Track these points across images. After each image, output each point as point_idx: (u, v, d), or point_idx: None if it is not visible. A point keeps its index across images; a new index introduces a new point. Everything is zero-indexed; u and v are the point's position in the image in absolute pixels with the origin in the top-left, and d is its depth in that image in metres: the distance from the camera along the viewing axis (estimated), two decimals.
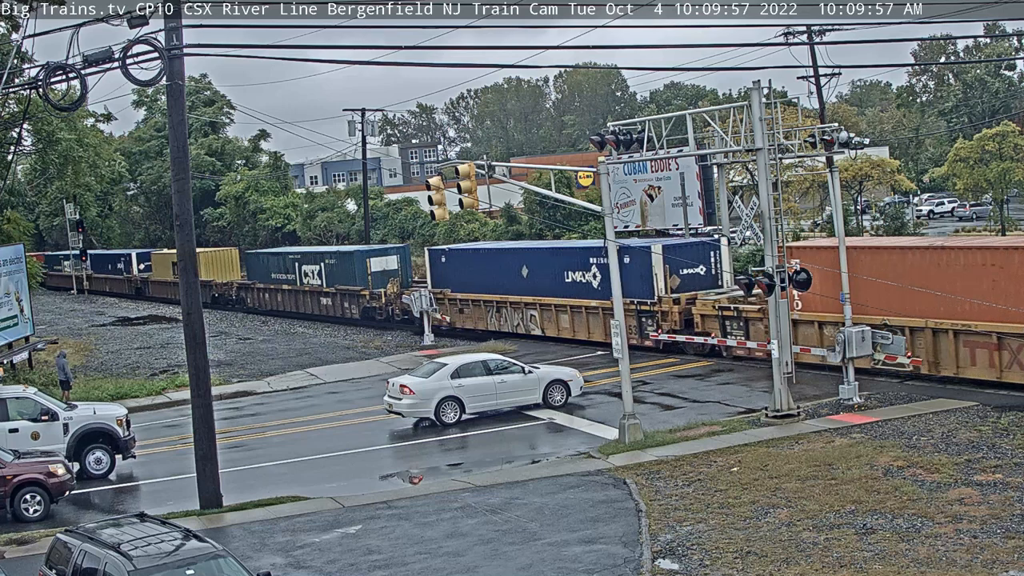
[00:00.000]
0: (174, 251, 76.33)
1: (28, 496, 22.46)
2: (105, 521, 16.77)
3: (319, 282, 56.24)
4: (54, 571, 15.11)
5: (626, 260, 35.28)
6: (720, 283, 38.06)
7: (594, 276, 39.57)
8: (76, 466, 25.88)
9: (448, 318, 46.54)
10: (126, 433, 26.47)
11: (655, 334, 36.88)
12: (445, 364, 30.07)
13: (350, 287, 53.40)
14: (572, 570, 17.07)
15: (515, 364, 30.43)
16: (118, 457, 26.40)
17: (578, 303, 40.31)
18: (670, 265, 37.01)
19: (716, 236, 39.63)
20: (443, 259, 47.94)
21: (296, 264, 59.01)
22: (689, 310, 36.38)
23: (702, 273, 37.73)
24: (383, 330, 50.67)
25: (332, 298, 55.12)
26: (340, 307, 54.70)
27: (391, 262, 53.00)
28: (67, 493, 23.24)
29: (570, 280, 40.79)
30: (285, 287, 60.10)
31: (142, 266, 79.62)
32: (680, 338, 36.32)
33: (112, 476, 26.30)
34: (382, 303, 51.12)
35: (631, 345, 30.58)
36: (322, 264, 56.18)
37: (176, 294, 68.39)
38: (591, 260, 39.69)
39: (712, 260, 38.25)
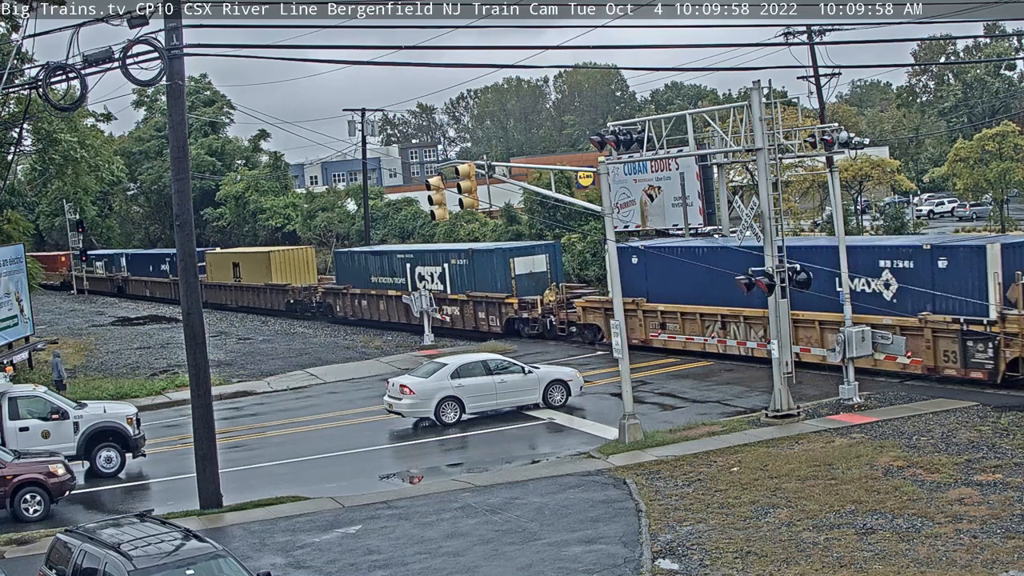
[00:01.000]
0: (234, 250, 71.11)
1: (28, 496, 22.47)
2: (105, 521, 16.79)
3: (441, 287, 46.90)
4: (54, 571, 15.11)
5: (941, 264, 28.72)
6: None
7: (886, 284, 30.18)
8: (86, 465, 25.96)
9: (567, 319, 40.99)
10: (136, 432, 26.53)
11: (990, 362, 27.48)
12: (445, 364, 30.07)
13: (488, 294, 44.96)
14: (572, 570, 17.07)
15: (515, 364, 30.43)
16: (128, 456, 26.46)
17: (864, 320, 29.03)
18: (1008, 269, 27.65)
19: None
20: (635, 259, 37.76)
21: (407, 265, 49.70)
22: None
23: None
24: (540, 341, 42.57)
25: (461, 307, 46.19)
26: (473, 318, 45.71)
27: (539, 263, 45.40)
28: (67, 493, 23.25)
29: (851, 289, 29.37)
30: (392, 293, 50.43)
31: None
32: None
33: (122, 475, 26.33)
34: (537, 313, 42.95)
35: (948, 376, 28.10)
36: (446, 265, 46.97)
37: (241, 300, 64.22)
38: (882, 264, 30.36)
39: None
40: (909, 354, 28.50)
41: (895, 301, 29.93)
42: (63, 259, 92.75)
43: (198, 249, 76.72)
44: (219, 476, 22.71)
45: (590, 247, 51.92)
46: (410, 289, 47.80)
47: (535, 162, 73.85)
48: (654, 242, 40.92)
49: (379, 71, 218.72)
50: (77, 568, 14.55)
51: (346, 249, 60.90)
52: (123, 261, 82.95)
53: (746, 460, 22.70)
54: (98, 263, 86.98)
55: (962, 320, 27.99)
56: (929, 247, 29.37)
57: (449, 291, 46.70)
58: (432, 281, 47.67)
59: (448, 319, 46.28)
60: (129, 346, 50.43)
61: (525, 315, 43.43)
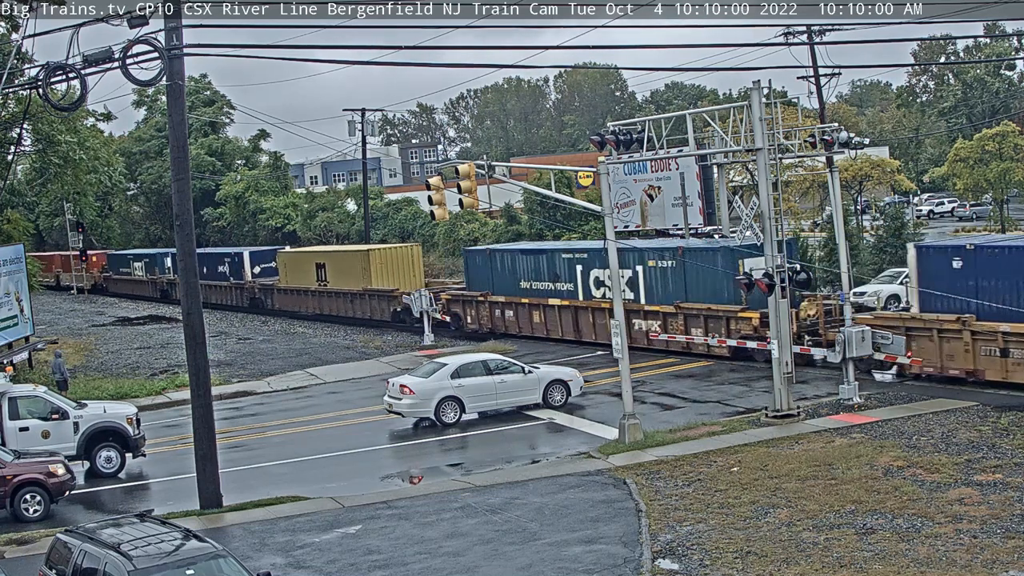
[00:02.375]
0: (315, 249, 63.24)
1: (28, 496, 22.46)
2: (105, 521, 16.78)
3: (631, 296, 37.20)
4: (54, 571, 15.11)
5: None
6: None
7: None
8: (86, 465, 25.96)
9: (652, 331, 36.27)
10: (136, 432, 26.54)
11: None
12: (445, 364, 30.07)
13: (711, 306, 35.00)
14: (572, 570, 17.07)
15: (515, 364, 30.42)
16: (128, 456, 26.47)
17: None
18: None
19: None
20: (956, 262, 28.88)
21: (577, 267, 41.09)
22: None
23: None
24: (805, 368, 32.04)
25: (665, 322, 36.59)
26: (682, 331, 35.66)
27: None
28: (67, 493, 23.24)
29: None
30: (553, 302, 41.87)
31: (258, 268, 64.06)
32: None
33: (122, 475, 26.33)
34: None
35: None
36: (639, 268, 37.52)
37: (328, 308, 55.54)
38: None
39: None
40: (909, 354, 28.49)
41: None
42: (94, 259, 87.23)
43: (267, 248, 65.84)
44: (219, 476, 22.70)
45: None
46: (582, 297, 40.35)
47: (535, 162, 73.88)
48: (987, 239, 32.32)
49: (379, 71, 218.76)
50: (77, 568, 14.54)
51: (483, 247, 50.10)
52: (168, 262, 73.44)
53: (746, 460, 22.70)
54: (136, 263, 79.64)
55: None
56: None
57: (644, 300, 37.10)
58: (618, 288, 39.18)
59: (656, 336, 36.44)
60: (129, 346, 50.43)
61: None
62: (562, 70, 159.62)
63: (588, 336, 40.02)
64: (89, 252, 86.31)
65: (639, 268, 37.83)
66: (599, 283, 39.60)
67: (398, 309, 49.58)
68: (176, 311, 58.95)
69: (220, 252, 69.93)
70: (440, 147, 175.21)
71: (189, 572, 13.87)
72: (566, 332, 41.35)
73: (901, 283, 38.93)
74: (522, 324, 43.52)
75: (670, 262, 36.68)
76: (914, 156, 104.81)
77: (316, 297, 56.91)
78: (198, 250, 72.60)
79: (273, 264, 62.65)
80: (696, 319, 35.51)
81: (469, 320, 46.35)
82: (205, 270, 65.77)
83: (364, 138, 65.11)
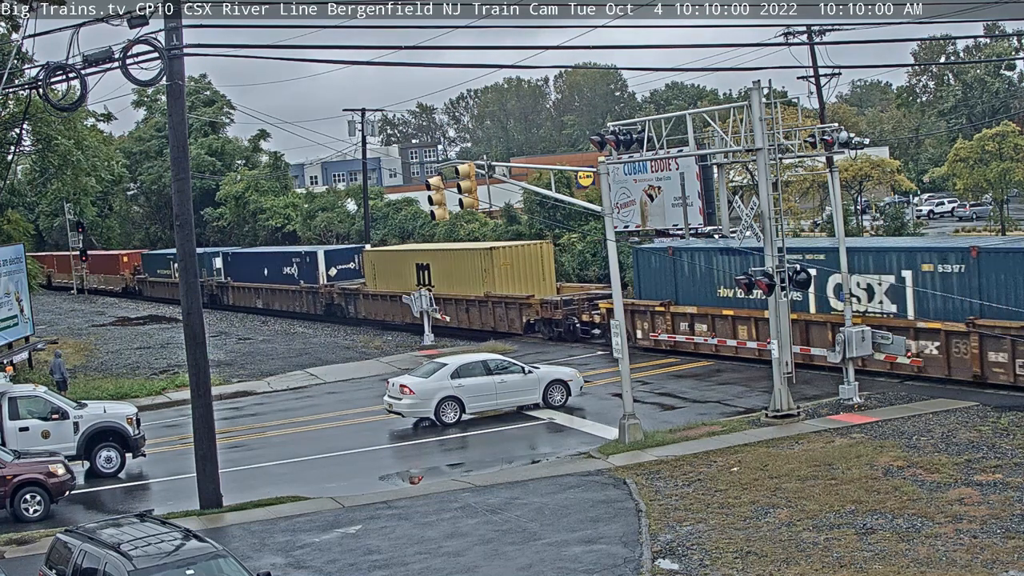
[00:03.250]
0: (415, 247, 54.52)
1: (28, 496, 22.47)
2: (105, 521, 16.78)
3: (893, 308, 30.17)
4: (54, 571, 15.11)
5: None
6: None
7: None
8: (86, 465, 25.96)
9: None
10: (136, 432, 26.55)
11: None
12: (445, 364, 30.07)
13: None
14: (572, 570, 17.07)
15: (515, 364, 30.42)
16: (128, 456, 26.48)
17: None
18: None
19: None
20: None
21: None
22: None
23: None
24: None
25: (947, 342, 28.56)
26: (977, 361, 27.75)
27: None
28: (67, 493, 23.25)
29: None
30: (769, 315, 29.72)
31: (334, 270, 56.45)
32: None
33: (122, 475, 26.34)
34: None
35: None
36: (908, 274, 29.91)
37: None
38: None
39: None
40: (909, 354, 28.48)
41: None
42: (125, 259, 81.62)
43: (347, 247, 58.73)
44: (219, 476, 22.71)
45: (590, 247, 51.92)
46: (815, 309, 32.06)
47: (535, 162, 73.86)
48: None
49: (379, 71, 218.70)
50: (77, 568, 14.54)
51: (659, 244, 39.95)
52: (218, 262, 66.46)
53: (746, 460, 22.70)
54: (176, 264, 77.82)
55: None
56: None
57: (914, 314, 29.71)
58: (870, 297, 30.77)
59: (913, 360, 29.27)
60: (129, 346, 50.42)
61: None
62: (562, 70, 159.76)
63: (823, 358, 30.61)
64: (123, 252, 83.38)
65: (906, 273, 30.00)
66: (839, 290, 30.19)
67: (531, 320, 42.70)
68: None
69: (287, 251, 61.56)
70: (440, 147, 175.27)
71: (189, 572, 13.87)
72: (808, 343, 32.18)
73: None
74: (720, 340, 34.90)
75: (958, 266, 28.80)
76: (914, 156, 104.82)
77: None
78: (261, 249, 63.32)
79: (352, 265, 56.01)
80: (999, 341, 27.28)
81: (640, 335, 37.57)
82: (266, 272, 61.16)
83: (364, 138, 65.06)
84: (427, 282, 48.25)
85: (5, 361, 35.68)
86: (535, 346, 41.02)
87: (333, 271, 56.20)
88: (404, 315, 48.30)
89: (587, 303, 41.01)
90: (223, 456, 23.85)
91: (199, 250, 70.51)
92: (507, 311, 44.32)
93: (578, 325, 41.58)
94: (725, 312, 34.77)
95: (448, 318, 46.26)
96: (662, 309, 36.93)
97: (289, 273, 58.86)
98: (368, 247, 57.22)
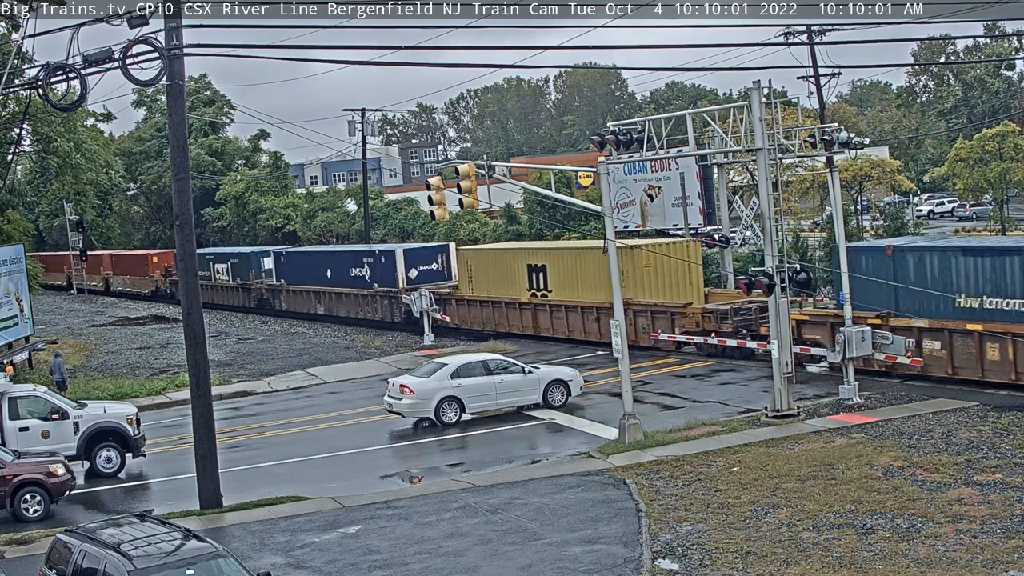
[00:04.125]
0: (524, 245, 46.86)
1: (28, 496, 22.47)
2: (105, 521, 16.78)
3: None
4: (54, 571, 15.11)
5: None
6: None
7: None
8: (86, 465, 25.96)
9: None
10: (136, 432, 26.55)
11: None
12: (445, 364, 30.07)
13: None
14: (572, 570, 17.07)
15: (515, 364, 30.42)
16: (128, 456, 26.48)
17: None
18: None
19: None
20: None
21: None
22: None
23: None
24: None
25: None
26: None
27: None
28: (67, 493, 23.25)
29: None
30: None
31: (414, 272, 50.00)
32: None
33: (122, 475, 26.34)
34: None
35: None
36: None
37: (548, 328, 41.27)
38: None
39: None
40: (909, 354, 28.48)
41: None
42: (155, 259, 75.11)
43: (429, 245, 53.26)
44: (219, 476, 22.71)
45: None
46: None
47: (535, 162, 73.90)
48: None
49: (379, 71, 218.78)
50: (77, 568, 14.54)
51: (876, 242, 34.64)
52: (267, 262, 60.60)
53: (746, 460, 22.69)
54: (219, 265, 65.58)
55: None
56: None
57: None
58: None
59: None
60: (129, 346, 50.41)
61: None
62: (562, 70, 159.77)
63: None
64: (152, 252, 77.21)
65: None
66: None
67: (681, 338, 35.76)
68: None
69: (356, 251, 54.75)
70: (440, 147, 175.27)
71: (189, 572, 13.88)
72: None
73: None
74: (960, 360, 28.04)
75: None
76: (914, 156, 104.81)
77: (529, 312, 42.33)
78: (322, 248, 59.58)
79: (435, 266, 50.37)
80: None
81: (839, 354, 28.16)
82: (329, 273, 54.37)
83: (364, 138, 65.08)
84: (541, 286, 41.78)
85: (5, 361, 35.68)
86: (535, 346, 40.99)
87: (413, 273, 49.79)
88: (511, 323, 43.09)
89: (759, 312, 33.43)
90: (223, 456, 23.85)
91: (247, 250, 67.03)
92: (653, 322, 36.54)
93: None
94: (970, 326, 27.74)
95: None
96: (878, 322, 29.36)
97: (359, 275, 52.15)
98: (453, 246, 52.00)
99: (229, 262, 64.72)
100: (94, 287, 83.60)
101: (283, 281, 59.33)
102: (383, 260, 50.86)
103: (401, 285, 49.36)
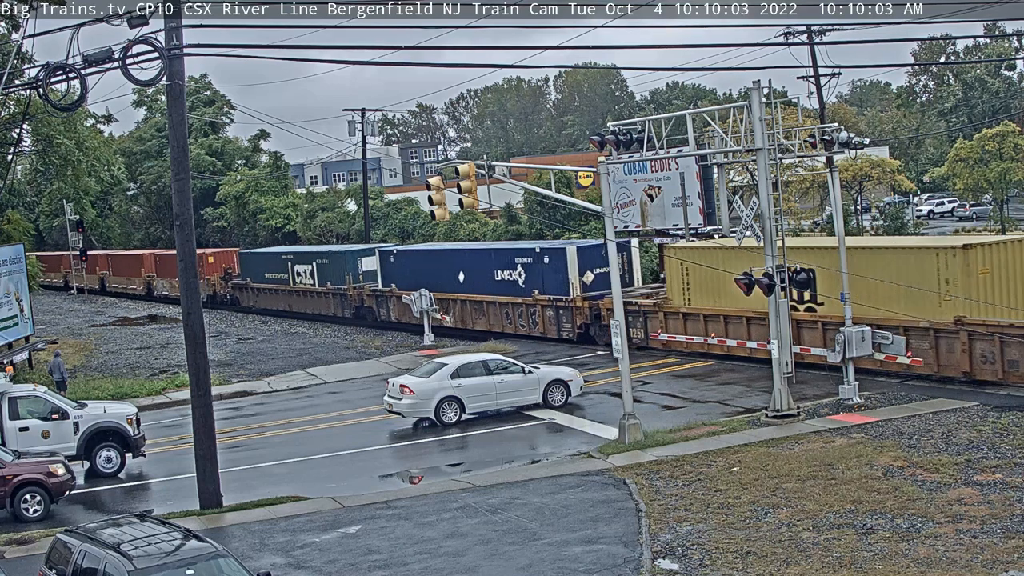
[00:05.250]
0: (808, 242, 33.87)
1: (28, 496, 22.48)
2: (105, 521, 16.78)
3: None
4: (54, 571, 15.11)
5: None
6: None
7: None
8: (86, 465, 25.96)
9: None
10: (136, 432, 26.56)
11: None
12: (445, 364, 30.07)
13: None
14: (572, 570, 17.07)
15: (515, 364, 30.42)
16: (128, 456, 26.48)
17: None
18: None
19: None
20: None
21: None
22: None
23: None
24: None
25: None
26: None
27: None
28: (67, 493, 23.25)
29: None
30: None
31: (590, 275, 40.55)
32: None
33: (122, 475, 26.34)
34: None
35: None
36: None
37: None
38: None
39: None
40: (909, 354, 28.48)
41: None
42: (211, 260, 66.13)
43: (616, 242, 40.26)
44: (219, 476, 22.71)
45: None
46: None
47: (535, 162, 73.91)
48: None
49: (379, 71, 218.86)
50: (77, 568, 14.54)
51: None
52: (368, 263, 51.92)
53: (746, 460, 22.70)
54: (301, 267, 56.32)
55: None
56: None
57: None
58: None
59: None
60: (129, 346, 50.41)
61: None
62: (562, 70, 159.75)
63: None
64: (206, 251, 68.16)
65: None
66: None
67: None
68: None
69: (507, 248, 45.58)
70: (440, 147, 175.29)
71: (189, 572, 13.88)
72: None
73: None
74: None
75: None
76: (914, 156, 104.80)
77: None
78: (448, 245, 51.98)
79: (612, 267, 32.60)
80: None
81: None
82: (462, 277, 45.45)
83: (364, 138, 65.11)
84: (806, 297, 31.43)
85: (5, 361, 35.66)
86: (535, 346, 40.98)
87: (589, 277, 40.51)
88: (756, 343, 32.56)
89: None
90: (223, 456, 23.85)
91: (339, 248, 57.97)
92: (1001, 349, 26.87)
93: None
94: None
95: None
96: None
97: (508, 279, 42.78)
98: (636, 243, 42.37)
99: (315, 263, 55.21)
100: (132, 290, 76.61)
101: (394, 286, 48.82)
102: (546, 260, 42.02)
103: (575, 293, 40.27)
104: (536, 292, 42.15)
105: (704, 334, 35.22)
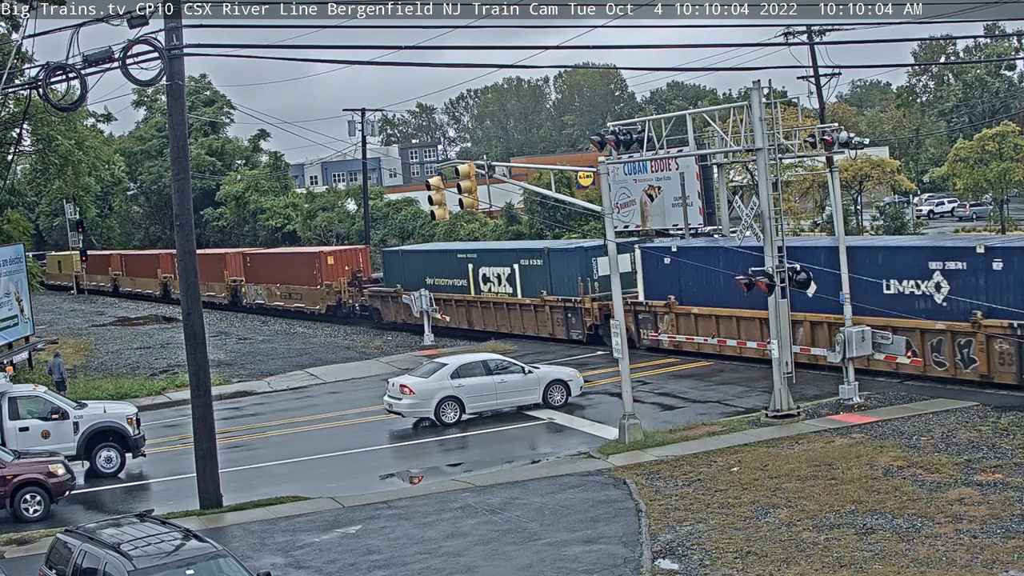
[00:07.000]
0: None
1: (28, 496, 22.47)
2: (105, 521, 16.78)
3: None
4: (54, 571, 15.11)
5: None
6: None
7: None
8: (86, 465, 25.96)
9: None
10: (136, 432, 26.56)
11: None
12: (445, 364, 30.06)
13: None
14: (572, 570, 17.07)
15: (515, 364, 30.41)
16: (128, 456, 26.48)
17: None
18: None
19: None
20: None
21: None
22: None
23: None
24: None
25: None
26: None
27: None
28: (67, 493, 23.25)
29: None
30: None
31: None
32: None
33: (122, 475, 26.34)
34: None
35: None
36: None
37: None
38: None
39: None
40: (909, 354, 28.48)
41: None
42: (330, 260, 53.61)
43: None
44: (219, 476, 22.71)
45: None
46: None
47: (535, 162, 73.92)
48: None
49: (379, 71, 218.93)
50: (77, 568, 14.54)
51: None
52: (604, 264, 32.90)
53: (746, 460, 22.69)
54: (493, 270, 43.08)
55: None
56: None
57: None
58: None
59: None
60: (129, 346, 50.41)
61: None
62: (562, 70, 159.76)
63: None
64: (323, 250, 56.32)
65: None
66: None
67: None
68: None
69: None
70: (440, 147, 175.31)
71: (189, 572, 13.88)
72: None
73: None
74: None
75: None
76: (914, 156, 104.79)
77: None
78: (797, 240, 33.55)
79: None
80: None
81: None
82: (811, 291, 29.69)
83: (364, 138, 65.10)
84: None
85: (5, 361, 35.67)
86: (535, 345, 40.97)
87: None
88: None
89: None
90: (223, 456, 23.85)
91: (559, 244, 42.82)
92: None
93: None
94: None
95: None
96: None
97: (919, 293, 28.48)
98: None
99: (516, 264, 41.72)
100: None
101: (673, 298, 35.63)
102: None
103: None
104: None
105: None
